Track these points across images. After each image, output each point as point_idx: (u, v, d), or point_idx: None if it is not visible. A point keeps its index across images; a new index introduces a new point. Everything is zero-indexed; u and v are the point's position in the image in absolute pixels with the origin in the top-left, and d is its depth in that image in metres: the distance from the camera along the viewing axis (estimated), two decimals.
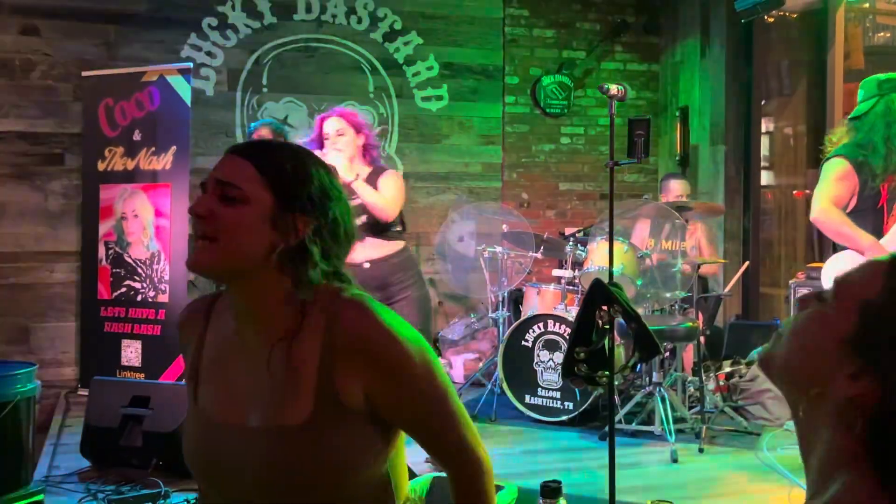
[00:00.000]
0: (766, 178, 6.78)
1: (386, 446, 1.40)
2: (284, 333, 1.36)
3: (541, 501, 1.75)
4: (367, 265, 3.98)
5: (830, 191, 3.63)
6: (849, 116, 3.79)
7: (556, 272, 5.65)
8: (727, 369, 5.54)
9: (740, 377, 5.33)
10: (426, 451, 1.47)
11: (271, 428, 1.33)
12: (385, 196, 3.97)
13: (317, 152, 3.94)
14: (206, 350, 1.45)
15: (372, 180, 4.01)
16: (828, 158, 3.71)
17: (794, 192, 6.74)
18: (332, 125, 3.99)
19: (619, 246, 4.92)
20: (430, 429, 1.42)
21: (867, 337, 0.81)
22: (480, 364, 6.14)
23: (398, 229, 4.10)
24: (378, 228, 4.01)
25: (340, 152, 3.94)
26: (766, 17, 6.22)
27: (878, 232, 3.59)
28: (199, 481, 1.44)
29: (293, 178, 1.38)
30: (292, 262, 1.36)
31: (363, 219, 3.99)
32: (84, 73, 5.68)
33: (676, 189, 5.71)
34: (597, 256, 5.08)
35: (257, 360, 1.37)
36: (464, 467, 1.44)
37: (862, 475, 0.79)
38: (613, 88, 3.06)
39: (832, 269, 3.71)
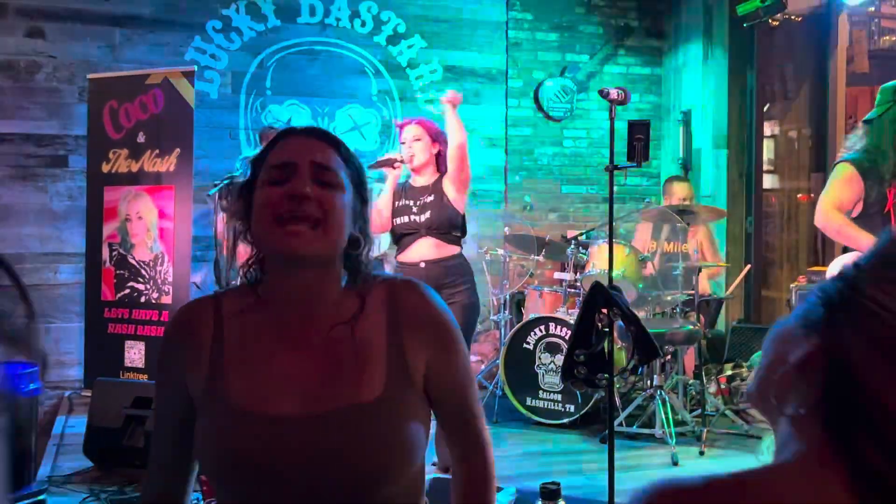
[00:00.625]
0: (768, 181, 6.79)
1: (428, 431, 1.43)
2: (347, 317, 1.37)
3: (540, 503, 1.76)
4: (422, 265, 4.06)
5: (834, 195, 3.66)
6: (863, 119, 3.81)
7: (558, 275, 5.67)
8: (728, 372, 5.54)
9: (741, 380, 5.34)
10: (451, 435, 1.50)
11: (346, 408, 1.31)
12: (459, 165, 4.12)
13: (391, 154, 4.24)
14: (231, 349, 1.38)
15: (437, 185, 4.14)
16: (837, 163, 3.75)
17: (800, 195, 6.75)
18: (410, 131, 4.18)
19: (620, 249, 4.93)
20: (466, 407, 1.47)
21: (812, 313, 0.82)
22: (482, 366, 6.15)
23: (457, 234, 4.16)
24: (440, 229, 4.08)
25: (414, 157, 4.14)
26: (768, 21, 6.23)
27: None
28: (244, 487, 1.31)
29: (361, 169, 1.44)
30: (354, 249, 1.41)
31: (427, 215, 4.07)
32: (89, 76, 5.71)
33: (679, 192, 5.72)
34: (598, 259, 5.09)
35: (315, 349, 1.36)
36: (480, 454, 1.50)
37: (812, 442, 0.79)
38: (614, 92, 3.07)
39: (834, 271, 3.72)
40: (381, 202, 4.17)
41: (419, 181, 4.19)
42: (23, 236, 5.86)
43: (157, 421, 1.47)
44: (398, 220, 4.13)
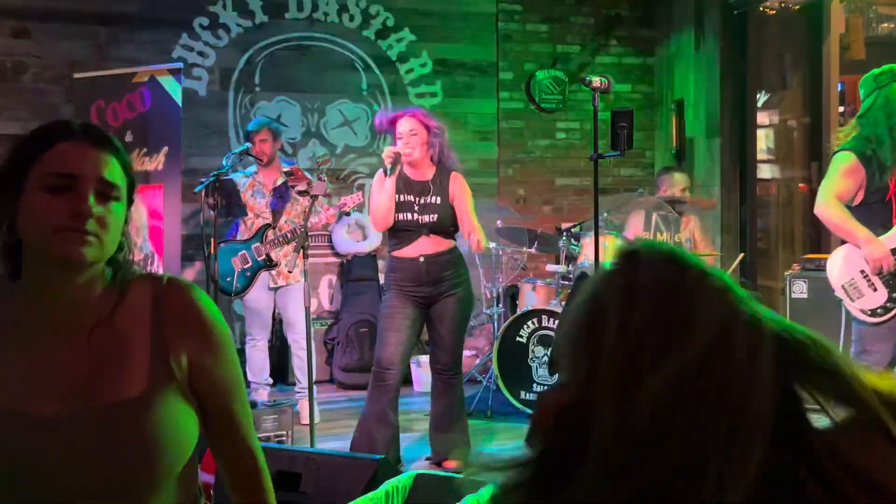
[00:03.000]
0: (762, 170, 6.75)
1: (197, 434, 1.42)
2: (108, 312, 1.37)
3: None
4: (421, 259, 4.07)
5: (835, 185, 3.63)
6: (856, 116, 3.79)
7: (551, 267, 5.64)
8: None
9: None
10: (214, 439, 1.46)
11: (109, 405, 1.30)
12: (473, 214, 4.16)
13: (395, 148, 4.13)
14: None
15: (438, 179, 4.13)
16: (836, 152, 3.71)
17: (800, 185, 6.71)
18: (405, 125, 4.11)
19: (612, 240, 4.90)
20: (232, 409, 1.45)
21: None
22: (476, 360, 6.13)
23: (453, 229, 4.19)
24: (443, 230, 4.11)
25: (412, 150, 4.08)
26: (760, 9, 6.19)
27: (887, 225, 3.59)
28: (7, 493, 1.28)
29: (132, 171, 1.44)
30: (119, 251, 1.41)
31: (434, 218, 4.07)
32: (75, 75, 5.67)
33: (681, 182, 5.69)
34: (590, 251, 5.06)
35: (76, 346, 1.34)
36: (250, 459, 1.48)
37: None
38: (596, 80, 3.04)
39: (834, 262, 3.71)
40: (383, 201, 4.07)
41: (416, 173, 4.15)
42: None
43: None
44: (399, 216, 4.09)
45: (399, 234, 4.12)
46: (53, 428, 1.27)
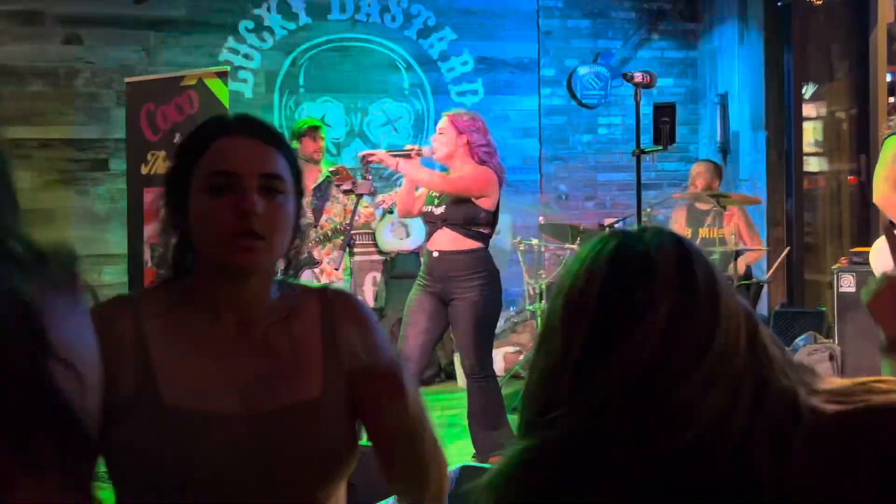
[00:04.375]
0: (809, 163, 6.67)
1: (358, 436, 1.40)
2: (282, 318, 1.34)
3: None
4: (436, 254, 4.08)
5: (888, 170, 3.60)
6: None
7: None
8: None
9: None
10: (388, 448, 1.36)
11: (288, 406, 1.29)
12: (453, 178, 4.12)
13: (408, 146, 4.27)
14: (157, 351, 1.29)
15: (462, 173, 4.15)
16: (888, 137, 3.69)
17: (849, 178, 6.61)
18: (439, 124, 4.24)
19: None
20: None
21: None
22: (521, 357, 6.15)
23: (478, 229, 4.09)
24: (456, 222, 4.05)
25: (436, 149, 4.16)
26: (809, 0, 6.11)
27: None
28: (175, 490, 1.24)
29: (297, 163, 1.38)
30: (290, 244, 1.37)
31: (442, 209, 4.09)
32: (126, 80, 5.81)
33: (694, 173, 5.68)
34: None
35: (251, 349, 1.32)
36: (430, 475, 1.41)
37: None
38: (639, 75, 3.05)
39: (876, 251, 3.67)
40: (403, 187, 4.24)
41: (452, 170, 4.20)
42: (67, 239, 5.99)
43: None
44: (424, 209, 4.17)
45: (425, 225, 4.22)
46: (230, 426, 1.26)
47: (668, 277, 0.92)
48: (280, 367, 1.32)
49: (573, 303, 0.95)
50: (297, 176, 1.35)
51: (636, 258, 0.94)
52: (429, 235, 4.18)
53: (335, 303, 1.39)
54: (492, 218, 4.13)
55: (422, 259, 4.32)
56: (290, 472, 1.27)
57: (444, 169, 4.26)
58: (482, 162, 4.15)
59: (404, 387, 1.25)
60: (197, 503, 1.24)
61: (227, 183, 1.26)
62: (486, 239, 4.13)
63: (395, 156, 4.18)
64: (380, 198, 5.06)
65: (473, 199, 4.05)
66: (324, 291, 1.42)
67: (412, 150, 4.20)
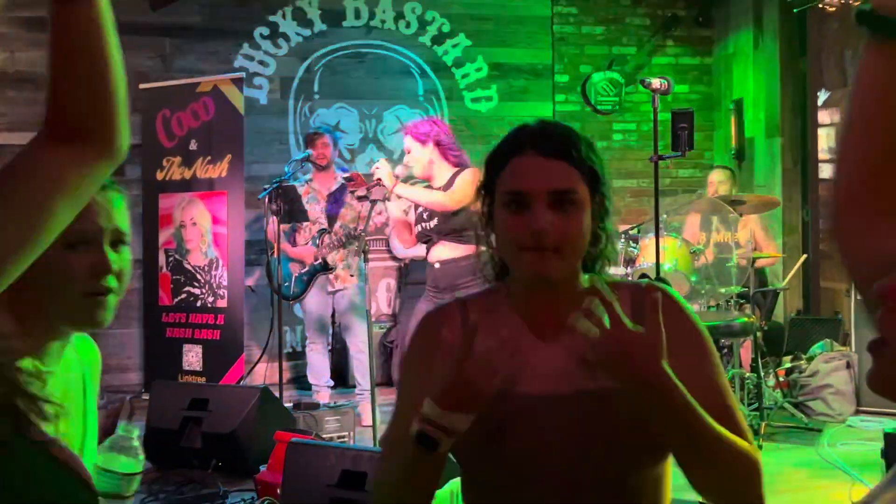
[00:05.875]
0: (824, 170, 6.64)
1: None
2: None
3: None
4: (437, 265, 4.07)
5: None
6: None
7: (609, 270, 5.61)
8: (787, 365, 5.44)
9: (800, 373, 5.23)
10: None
11: (610, 389, 1.30)
12: (450, 193, 4.03)
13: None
14: (481, 341, 1.35)
15: (445, 182, 4.09)
16: None
17: None
18: (404, 144, 4.19)
19: (671, 242, 4.87)
20: (722, 408, 1.39)
21: None
22: None
23: (470, 233, 4.08)
24: (446, 231, 4.04)
25: (410, 168, 4.15)
26: (820, 6, 6.08)
27: None
28: (511, 466, 1.38)
29: (598, 162, 1.43)
30: (594, 246, 1.43)
31: (434, 222, 4.08)
32: (141, 86, 5.83)
33: (713, 179, 5.67)
34: (649, 253, 5.03)
35: (564, 342, 1.36)
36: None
37: None
38: (656, 82, 3.04)
39: None
40: (396, 228, 4.28)
41: (437, 181, 4.13)
42: None
43: (399, 424, 1.44)
44: (417, 228, 4.15)
45: (425, 242, 4.18)
46: (550, 405, 1.36)
47: None
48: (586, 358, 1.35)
49: None
50: (595, 174, 1.41)
51: None
52: (427, 250, 4.17)
53: (647, 298, 1.35)
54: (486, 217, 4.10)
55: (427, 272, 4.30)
56: (616, 450, 1.34)
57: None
58: (458, 162, 4.13)
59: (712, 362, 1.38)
60: (521, 473, 1.36)
61: (520, 200, 1.36)
62: (486, 242, 4.11)
63: (370, 187, 4.17)
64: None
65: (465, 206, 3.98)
66: (636, 286, 1.47)
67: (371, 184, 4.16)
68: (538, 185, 1.35)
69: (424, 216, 4.13)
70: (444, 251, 4.05)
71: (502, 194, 1.39)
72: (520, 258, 1.37)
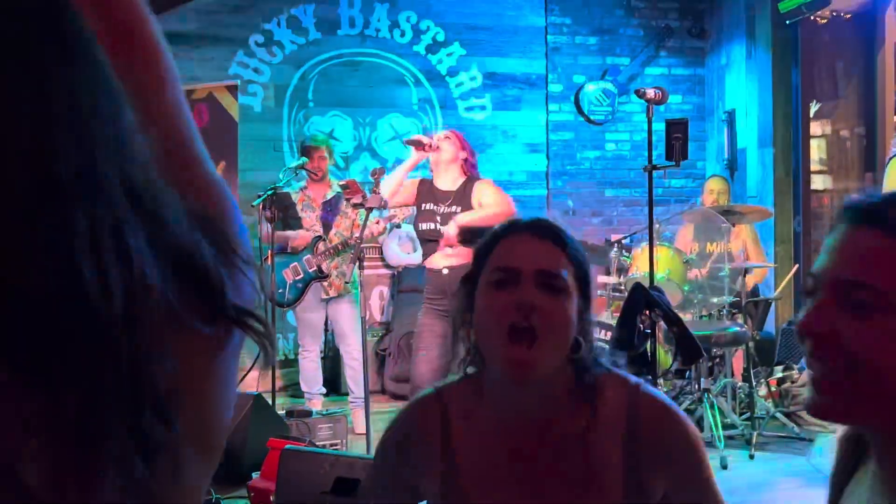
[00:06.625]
0: (815, 181, 6.68)
1: None
2: (579, 426, 1.33)
3: None
4: (445, 272, 4.08)
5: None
6: None
7: (602, 279, 5.63)
8: (779, 375, 5.46)
9: (792, 382, 5.25)
10: None
11: None
12: (497, 204, 4.14)
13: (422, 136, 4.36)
14: (462, 458, 1.36)
15: (462, 188, 4.20)
16: (891, 158, 3.69)
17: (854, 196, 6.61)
18: (442, 133, 4.40)
19: (665, 251, 4.89)
20: None
21: None
22: None
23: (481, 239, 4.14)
24: (464, 241, 4.05)
25: (443, 150, 4.24)
26: (812, 18, 6.14)
27: None
28: None
29: (585, 264, 1.38)
30: (575, 352, 1.34)
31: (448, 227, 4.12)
32: None
33: (709, 188, 5.69)
34: (641, 262, 5.05)
35: (546, 466, 1.33)
36: None
37: None
38: (651, 91, 3.06)
39: None
40: (392, 180, 4.28)
41: (443, 183, 4.21)
42: None
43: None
44: (422, 226, 4.17)
45: (426, 244, 4.19)
46: None
47: None
48: (571, 483, 1.31)
49: None
50: (583, 275, 1.35)
51: None
52: (429, 252, 4.16)
53: (642, 409, 1.33)
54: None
55: (425, 280, 4.31)
56: None
57: (426, 166, 4.40)
58: (467, 174, 4.26)
59: None
60: None
61: (508, 277, 1.31)
62: None
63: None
64: (391, 212, 5.07)
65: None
66: (635, 389, 1.37)
67: (426, 141, 4.27)
68: (528, 264, 1.31)
69: (438, 217, 4.17)
70: (454, 256, 4.04)
71: (490, 272, 1.34)
72: (499, 348, 1.28)
